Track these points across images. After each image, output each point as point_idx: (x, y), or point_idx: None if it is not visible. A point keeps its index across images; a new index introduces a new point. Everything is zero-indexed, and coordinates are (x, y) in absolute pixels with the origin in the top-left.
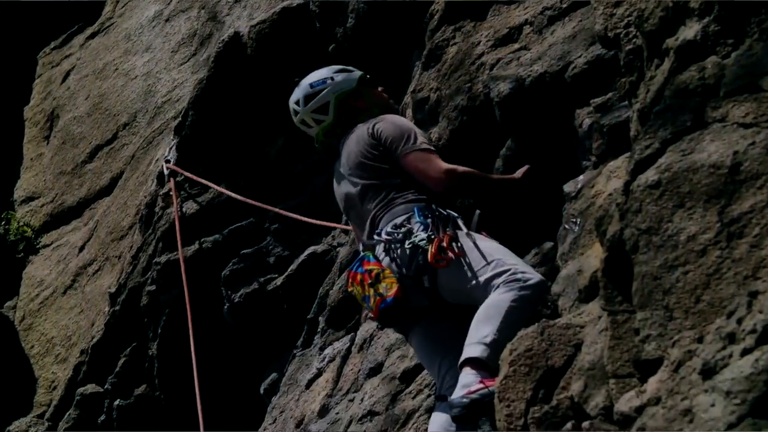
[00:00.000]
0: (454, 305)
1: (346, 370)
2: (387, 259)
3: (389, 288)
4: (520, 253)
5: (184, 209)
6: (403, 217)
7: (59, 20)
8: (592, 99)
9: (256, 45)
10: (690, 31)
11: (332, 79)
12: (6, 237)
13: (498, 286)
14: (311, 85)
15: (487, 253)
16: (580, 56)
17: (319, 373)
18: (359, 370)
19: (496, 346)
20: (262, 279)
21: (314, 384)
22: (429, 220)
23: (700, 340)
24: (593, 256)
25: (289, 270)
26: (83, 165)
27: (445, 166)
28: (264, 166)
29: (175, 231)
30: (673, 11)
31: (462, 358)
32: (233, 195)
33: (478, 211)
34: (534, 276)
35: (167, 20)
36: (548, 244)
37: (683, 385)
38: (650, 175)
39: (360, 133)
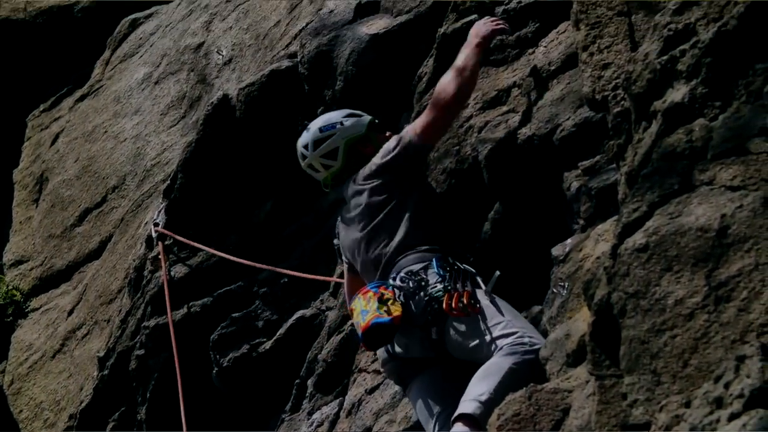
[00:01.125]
0: (457, 362)
1: None
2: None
3: (393, 311)
4: None
5: (172, 273)
6: (420, 265)
7: (48, 83)
8: (580, 162)
9: (244, 108)
10: (677, 93)
11: (341, 123)
12: None
13: (502, 348)
14: (320, 130)
15: (500, 314)
16: (568, 119)
17: None
18: None
19: (490, 405)
20: (251, 343)
21: None
22: (447, 273)
23: (687, 404)
24: (581, 320)
25: (277, 334)
26: (72, 228)
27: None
28: (253, 229)
29: (164, 294)
30: (660, 74)
31: (455, 414)
32: (226, 256)
33: (497, 273)
34: (540, 341)
35: (156, 83)
36: (536, 308)
37: None
38: (638, 238)
39: (360, 176)
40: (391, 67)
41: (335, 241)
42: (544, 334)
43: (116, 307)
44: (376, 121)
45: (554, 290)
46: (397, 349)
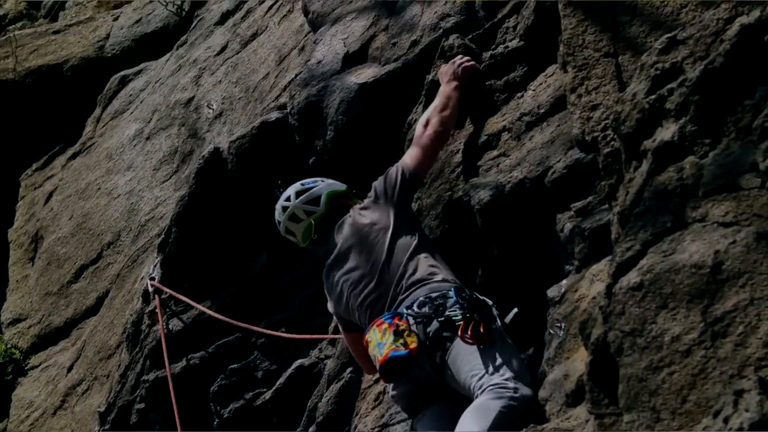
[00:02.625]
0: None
1: None
2: (416, 328)
3: (409, 343)
4: None
5: (170, 326)
6: (437, 293)
7: (40, 142)
8: (573, 203)
9: (236, 160)
10: (667, 132)
11: (323, 180)
12: None
13: (488, 388)
14: (302, 184)
15: (498, 353)
16: (559, 161)
17: None
18: None
19: None
20: (251, 394)
21: None
22: (465, 302)
23: None
24: (579, 360)
25: (277, 384)
26: (69, 285)
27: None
28: (248, 281)
29: (162, 348)
30: (649, 113)
31: None
32: (214, 314)
33: (515, 310)
34: (525, 389)
35: (148, 138)
36: (533, 350)
37: None
38: (632, 277)
39: (356, 213)
40: (381, 115)
41: None
42: (543, 375)
43: (115, 362)
44: (354, 190)
45: (551, 331)
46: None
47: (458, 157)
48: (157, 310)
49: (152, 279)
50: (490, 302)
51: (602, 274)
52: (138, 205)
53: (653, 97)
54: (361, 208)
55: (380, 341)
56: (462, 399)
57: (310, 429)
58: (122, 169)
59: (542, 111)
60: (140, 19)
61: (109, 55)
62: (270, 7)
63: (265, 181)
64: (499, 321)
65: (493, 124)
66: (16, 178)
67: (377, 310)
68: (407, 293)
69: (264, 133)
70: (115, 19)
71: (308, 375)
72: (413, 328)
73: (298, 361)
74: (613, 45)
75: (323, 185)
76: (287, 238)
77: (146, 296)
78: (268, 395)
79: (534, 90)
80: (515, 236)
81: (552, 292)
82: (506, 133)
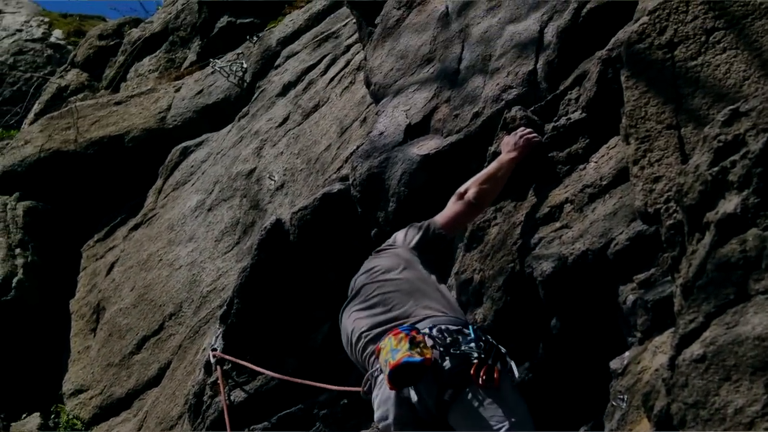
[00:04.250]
0: None
1: None
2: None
3: (425, 353)
4: None
5: (232, 397)
6: (453, 327)
7: (102, 213)
8: (635, 275)
9: (298, 232)
10: (730, 204)
11: None
12: (56, 431)
13: None
14: None
15: (512, 410)
16: (621, 233)
17: None
18: None
19: None
20: None
21: None
22: (482, 343)
23: None
24: None
25: None
26: (131, 356)
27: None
28: (310, 353)
29: (224, 420)
30: (712, 185)
31: None
32: (284, 378)
33: (527, 364)
34: None
35: (210, 210)
36: (596, 422)
37: None
38: (695, 349)
39: (373, 255)
40: (443, 186)
41: None
42: None
43: None
44: None
45: (614, 403)
46: (412, 393)
47: (520, 229)
48: (219, 381)
49: (214, 350)
50: (504, 350)
51: (665, 346)
52: (200, 276)
53: (716, 169)
54: (378, 251)
55: (395, 347)
56: None
57: None
58: (184, 240)
59: (605, 183)
60: (202, 91)
61: (171, 126)
62: (332, 79)
63: (327, 253)
64: (515, 371)
65: (556, 195)
66: (77, 249)
67: (385, 332)
68: (421, 318)
69: (326, 205)
70: (177, 90)
71: None
72: (431, 347)
73: None
74: (676, 117)
75: None
76: None
77: (208, 367)
78: None
79: (596, 162)
80: (578, 308)
81: (614, 364)
82: (569, 204)
